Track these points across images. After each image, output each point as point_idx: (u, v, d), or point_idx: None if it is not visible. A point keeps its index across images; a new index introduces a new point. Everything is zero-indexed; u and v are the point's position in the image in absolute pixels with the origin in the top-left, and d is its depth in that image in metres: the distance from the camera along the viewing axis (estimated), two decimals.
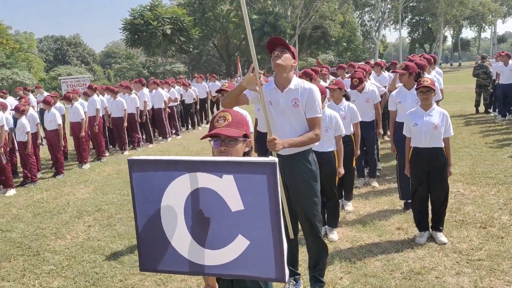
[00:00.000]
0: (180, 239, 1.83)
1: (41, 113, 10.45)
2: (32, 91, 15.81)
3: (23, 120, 8.13)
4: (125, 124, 10.84)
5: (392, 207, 5.46)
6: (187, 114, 14.63)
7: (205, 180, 1.73)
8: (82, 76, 30.57)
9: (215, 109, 16.42)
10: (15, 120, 8.65)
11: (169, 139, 12.61)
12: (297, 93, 3.16)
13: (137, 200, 1.87)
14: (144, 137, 12.02)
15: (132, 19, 31.28)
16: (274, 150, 2.86)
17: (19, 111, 8.12)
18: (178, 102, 13.72)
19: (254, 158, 1.68)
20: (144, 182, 1.85)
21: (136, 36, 30.59)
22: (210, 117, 16.24)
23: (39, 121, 8.78)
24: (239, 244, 1.71)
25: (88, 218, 5.99)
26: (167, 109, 12.62)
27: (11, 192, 7.70)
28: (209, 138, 2.05)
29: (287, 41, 3.17)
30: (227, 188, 1.69)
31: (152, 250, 1.88)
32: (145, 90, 12.12)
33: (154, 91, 12.42)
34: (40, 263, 4.57)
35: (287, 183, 3.26)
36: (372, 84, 6.52)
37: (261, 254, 1.68)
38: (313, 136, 3.15)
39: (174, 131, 13.28)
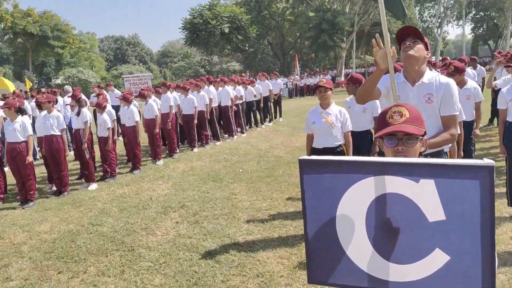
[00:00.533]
0: (359, 250, 1.63)
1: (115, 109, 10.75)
2: (103, 88, 16.38)
3: (104, 116, 8.33)
4: (195, 121, 10.92)
5: (498, 214, 5.02)
6: (249, 112, 14.57)
7: (396, 184, 1.51)
8: (143, 74, 31.47)
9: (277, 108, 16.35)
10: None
11: (235, 137, 12.60)
12: (431, 87, 2.89)
13: (308, 205, 1.70)
14: (210, 134, 12.08)
15: (191, 18, 31.83)
16: None
17: (101, 107, 8.34)
18: (243, 100, 13.69)
19: (463, 160, 1.44)
20: (318, 185, 1.66)
21: (194, 35, 31.08)
22: (273, 115, 16.16)
23: (115, 117, 8.99)
24: (436, 260, 1.49)
25: (174, 214, 6.00)
26: (233, 107, 12.62)
27: (94, 186, 7.92)
28: (384, 137, 1.82)
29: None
30: (425, 195, 1.47)
31: (324, 260, 1.70)
32: (212, 88, 12.17)
33: (220, 88, 12.45)
34: (137, 259, 4.58)
35: None
36: (472, 81, 6.04)
37: (464, 271, 1.45)
38: (448, 137, 2.89)
39: (239, 129, 13.26)
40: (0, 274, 4.46)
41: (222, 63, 44.64)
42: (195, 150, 10.97)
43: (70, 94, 11.78)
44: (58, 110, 8.16)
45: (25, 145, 6.87)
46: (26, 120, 6.98)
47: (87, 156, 7.90)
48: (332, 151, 4.59)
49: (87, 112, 8.01)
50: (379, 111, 5.12)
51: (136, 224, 5.69)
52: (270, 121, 15.78)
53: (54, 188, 7.89)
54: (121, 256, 4.70)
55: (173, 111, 10.44)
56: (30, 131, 6.95)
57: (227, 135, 12.82)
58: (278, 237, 4.84)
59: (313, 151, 4.76)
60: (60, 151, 7.40)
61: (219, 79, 13.19)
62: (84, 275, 4.29)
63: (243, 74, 17.67)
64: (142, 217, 5.96)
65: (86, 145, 7.86)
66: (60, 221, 6.06)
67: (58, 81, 49.79)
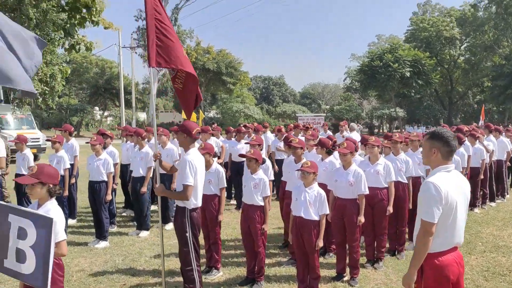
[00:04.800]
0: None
1: None
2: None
3: None
4: (481, 176, 9.18)
5: None
6: None
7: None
8: (317, 115, 31.09)
9: None
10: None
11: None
12: None
13: None
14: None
15: (369, 61, 30.86)
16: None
17: None
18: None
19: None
20: None
21: (368, 79, 30.01)
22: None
23: None
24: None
25: None
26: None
27: None
28: None
29: None
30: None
31: None
32: (492, 137, 10.31)
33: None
34: None
35: None
36: None
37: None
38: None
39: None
40: None
41: (384, 108, 42.68)
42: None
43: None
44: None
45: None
46: None
47: None
48: None
49: None
50: None
51: None
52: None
53: None
54: None
55: None
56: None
57: (499, 194, 10.61)
58: None
59: None
60: None
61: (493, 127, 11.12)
62: None
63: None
64: None
65: None
66: None
67: (210, 115, 52.77)
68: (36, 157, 15.18)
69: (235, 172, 9.50)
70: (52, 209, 3.25)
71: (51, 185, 3.28)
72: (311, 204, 4.62)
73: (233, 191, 10.11)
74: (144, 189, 7.34)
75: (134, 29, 57.70)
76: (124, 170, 8.86)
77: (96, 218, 6.97)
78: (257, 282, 5.12)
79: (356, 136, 11.55)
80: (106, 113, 45.67)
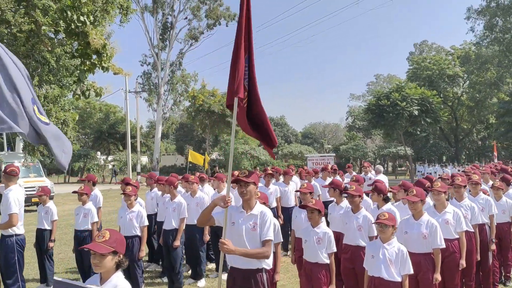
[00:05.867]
0: None
1: None
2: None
3: None
4: None
5: None
6: None
7: None
8: (327, 155, 30.65)
9: None
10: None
11: None
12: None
13: None
14: None
15: (376, 99, 30.85)
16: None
17: None
18: None
19: None
20: None
21: (376, 118, 29.88)
22: None
23: None
24: None
25: None
26: None
27: None
28: None
29: None
30: None
31: None
32: None
33: None
34: None
35: None
36: None
37: None
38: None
39: None
40: None
41: (391, 147, 42.35)
42: None
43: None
44: None
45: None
46: None
47: None
48: None
49: None
50: None
51: None
52: None
53: None
54: None
55: None
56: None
57: None
58: None
59: None
60: None
61: None
62: None
63: None
64: None
65: None
66: None
67: (213, 156, 52.29)
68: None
69: None
70: (120, 285, 2.69)
71: (121, 256, 2.74)
72: (392, 262, 4.05)
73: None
74: (177, 243, 6.74)
75: (139, 73, 58.23)
76: (149, 220, 8.27)
77: (129, 276, 6.33)
78: None
79: (383, 178, 11.02)
80: (110, 158, 45.21)
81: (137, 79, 40.57)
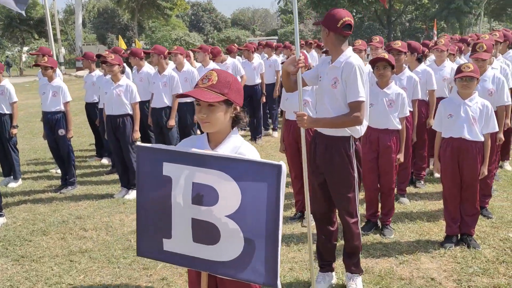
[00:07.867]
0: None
1: None
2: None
3: None
4: None
5: None
6: None
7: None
8: (270, 38, 29.52)
9: None
10: None
11: None
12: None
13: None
14: None
15: None
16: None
17: None
18: None
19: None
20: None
21: None
22: None
23: None
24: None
25: None
26: None
27: None
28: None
29: None
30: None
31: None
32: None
33: None
34: None
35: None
36: None
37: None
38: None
39: None
40: None
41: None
42: None
43: None
44: None
45: None
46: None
47: None
48: None
49: None
50: None
51: None
52: None
53: None
54: None
55: None
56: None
57: None
58: None
59: None
60: None
61: None
62: None
63: None
64: None
65: None
66: None
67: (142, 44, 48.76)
68: None
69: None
70: (242, 146, 1.86)
71: (238, 108, 1.87)
72: (476, 120, 3.54)
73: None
74: (172, 122, 5.82)
75: None
76: (91, 108, 7.09)
77: (123, 164, 5.46)
78: (386, 225, 4.10)
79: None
80: (26, 48, 40.05)
81: None
